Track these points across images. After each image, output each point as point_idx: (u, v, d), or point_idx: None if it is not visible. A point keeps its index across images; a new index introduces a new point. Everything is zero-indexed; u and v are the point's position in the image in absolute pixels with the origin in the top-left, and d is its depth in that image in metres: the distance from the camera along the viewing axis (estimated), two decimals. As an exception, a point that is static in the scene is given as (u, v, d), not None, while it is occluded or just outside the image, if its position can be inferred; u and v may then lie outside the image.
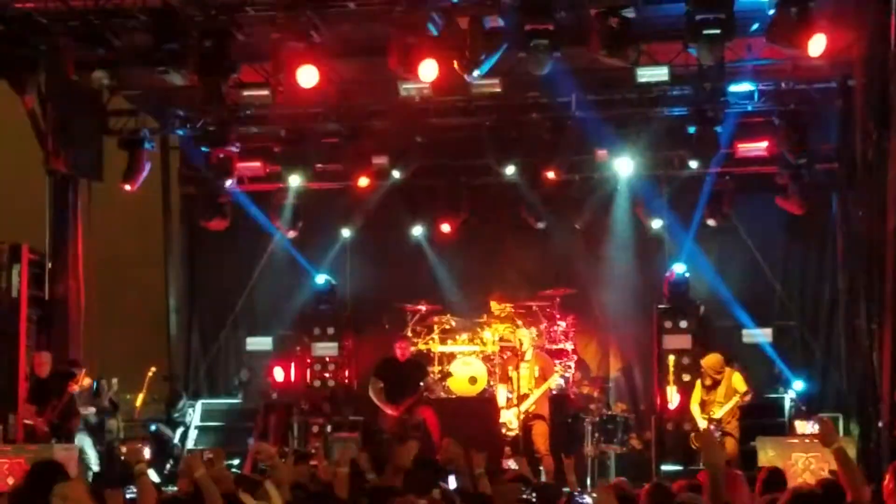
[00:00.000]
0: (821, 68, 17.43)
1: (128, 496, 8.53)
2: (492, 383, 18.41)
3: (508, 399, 17.60)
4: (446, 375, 18.22)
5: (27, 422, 16.20)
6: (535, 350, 17.89)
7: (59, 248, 17.96)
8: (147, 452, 8.55)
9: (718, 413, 16.54)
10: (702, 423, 16.57)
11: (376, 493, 8.24)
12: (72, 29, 15.45)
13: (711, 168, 18.87)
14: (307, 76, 15.22)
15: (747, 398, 16.64)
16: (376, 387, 17.08)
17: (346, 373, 19.86)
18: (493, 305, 19.12)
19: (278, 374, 19.79)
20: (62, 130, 17.70)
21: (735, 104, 18.24)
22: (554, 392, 17.97)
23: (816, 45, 14.15)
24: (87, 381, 16.87)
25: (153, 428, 19.17)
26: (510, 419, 17.35)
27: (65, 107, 17.64)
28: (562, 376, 18.17)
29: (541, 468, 16.51)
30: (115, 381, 18.33)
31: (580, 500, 7.86)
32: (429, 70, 14.91)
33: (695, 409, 16.86)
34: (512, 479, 9.40)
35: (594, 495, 7.65)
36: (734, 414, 16.64)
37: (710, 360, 16.96)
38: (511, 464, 11.47)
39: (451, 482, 10.14)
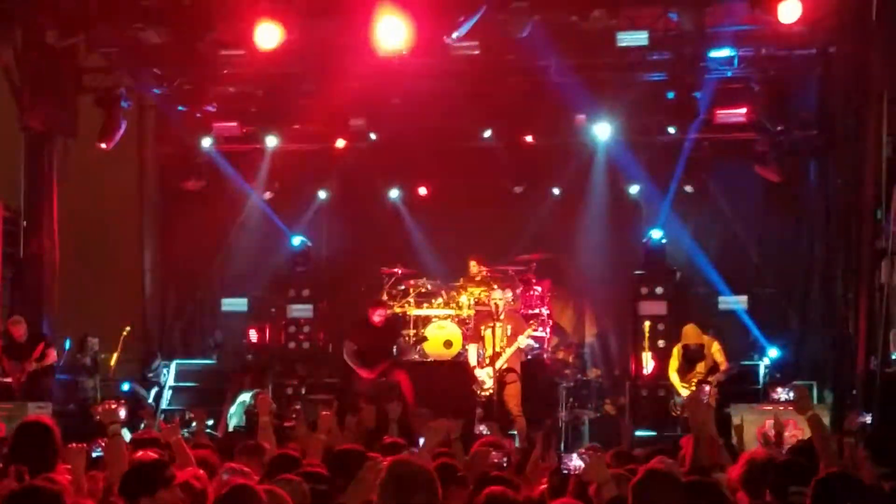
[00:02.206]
0: (801, 35, 17.37)
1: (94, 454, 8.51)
2: (466, 347, 18.40)
3: (480, 360, 17.56)
4: (422, 339, 18.18)
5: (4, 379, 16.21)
6: (507, 310, 17.82)
7: (34, 205, 17.85)
8: (122, 413, 8.56)
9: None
10: (682, 391, 16.56)
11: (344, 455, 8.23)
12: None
13: (689, 134, 18.82)
14: (267, 36, 15.10)
15: (723, 374, 16.61)
16: (350, 349, 17.04)
17: (321, 335, 19.82)
18: (473, 267, 19.05)
19: (253, 335, 19.78)
20: (37, 87, 17.54)
21: (714, 70, 18.15)
22: (528, 357, 17.97)
23: (789, 11, 14.10)
24: (52, 357, 16.75)
25: (127, 387, 19.11)
26: (484, 378, 17.29)
27: (40, 63, 17.47)
28: (535, 330, 18.01)
29: (513, 431, 16.51)
30: (95, 340, 18.27)
31: (569, 462, 7.86)
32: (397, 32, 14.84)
33: (673, 376, 16.84)
34: (484, 444, 9.40)
35: (584, 457, 7.61)
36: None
37: (688, 330, 16.93)
38: (483, 429, 11.48)
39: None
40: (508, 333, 17.29)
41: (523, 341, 17.29)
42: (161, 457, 7.57)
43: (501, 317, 17.49)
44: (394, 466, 5.99)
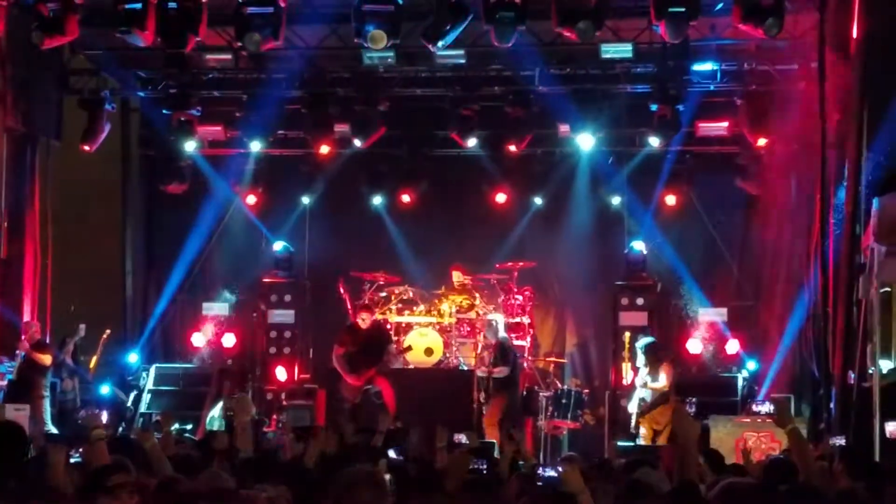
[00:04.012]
0: (783, 50, 17.55)
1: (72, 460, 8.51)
2: (447, 355, 18.44)
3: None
4: (406, 350, 18.18)
5: None
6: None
7: (16, 207, 17.81)
8: (105, 418, 8.60)
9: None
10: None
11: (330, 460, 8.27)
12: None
13: (672, 146, 18.92)
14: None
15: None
16: (338, 354, 17.05)
17: (303, 340, 19.83)
18: (456, 275, 19.10)
19: (232, 339, 19.77)
20: (21, 88, 17.53)
21: (697, 83, 18.29)
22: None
23: (772, 26, 14.28)
24: (46, 358, 16.77)
25: (108, 390, 19.07)
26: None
27: (24, 65, 17.47)
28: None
29: (492, 440, 16.52)
30: (82, 327, 18.11)
31: (544, 473, 7.89)
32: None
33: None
34: (468, 451, 9.45)
35: (559, 469, 7.63)
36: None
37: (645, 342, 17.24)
38: (462, 438, 11.53)
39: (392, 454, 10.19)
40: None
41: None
42: (115, 462, 7.58)
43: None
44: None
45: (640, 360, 16.99)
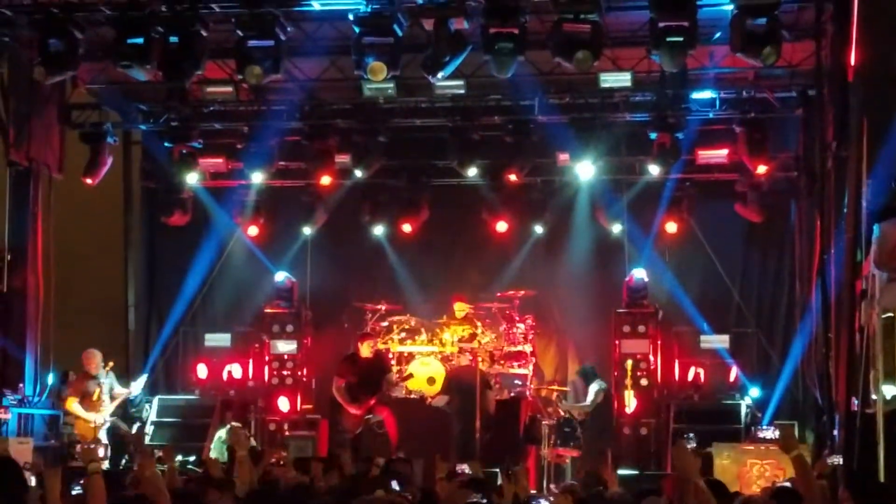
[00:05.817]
0: (782, 78, 17.64)
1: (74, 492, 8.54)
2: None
3: None
4: (407, 377, 18.22)
5: None
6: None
7: (18, 240, 17.84)
8: (101, 452, 8.59)
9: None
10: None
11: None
12: (36, 22, 15.40)
13: (672, 174, 18.98)
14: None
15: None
16: (338, 385, 17.07)
17: (305, 371, 19.84)
18: (458, 307, 19.13)
19: (236, 371, 19.77)
20: (24, 122, 17.60)
21: (696, 111, 18.35)
22: (511, 394, 18.07)
23: (770, 55, 14.37)
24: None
25: (109, 423, 19.04)
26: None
27: (27, 98, 17.54)
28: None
29: (494, 469, 16.52)
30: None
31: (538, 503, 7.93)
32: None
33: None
34: (466, 482, 9.47)
35: (552, 499, 7.65)
36: None
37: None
38: (465, 468, 11.55)
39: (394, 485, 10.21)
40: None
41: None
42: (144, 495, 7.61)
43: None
44: None
45: (578, 384, 18.30)
